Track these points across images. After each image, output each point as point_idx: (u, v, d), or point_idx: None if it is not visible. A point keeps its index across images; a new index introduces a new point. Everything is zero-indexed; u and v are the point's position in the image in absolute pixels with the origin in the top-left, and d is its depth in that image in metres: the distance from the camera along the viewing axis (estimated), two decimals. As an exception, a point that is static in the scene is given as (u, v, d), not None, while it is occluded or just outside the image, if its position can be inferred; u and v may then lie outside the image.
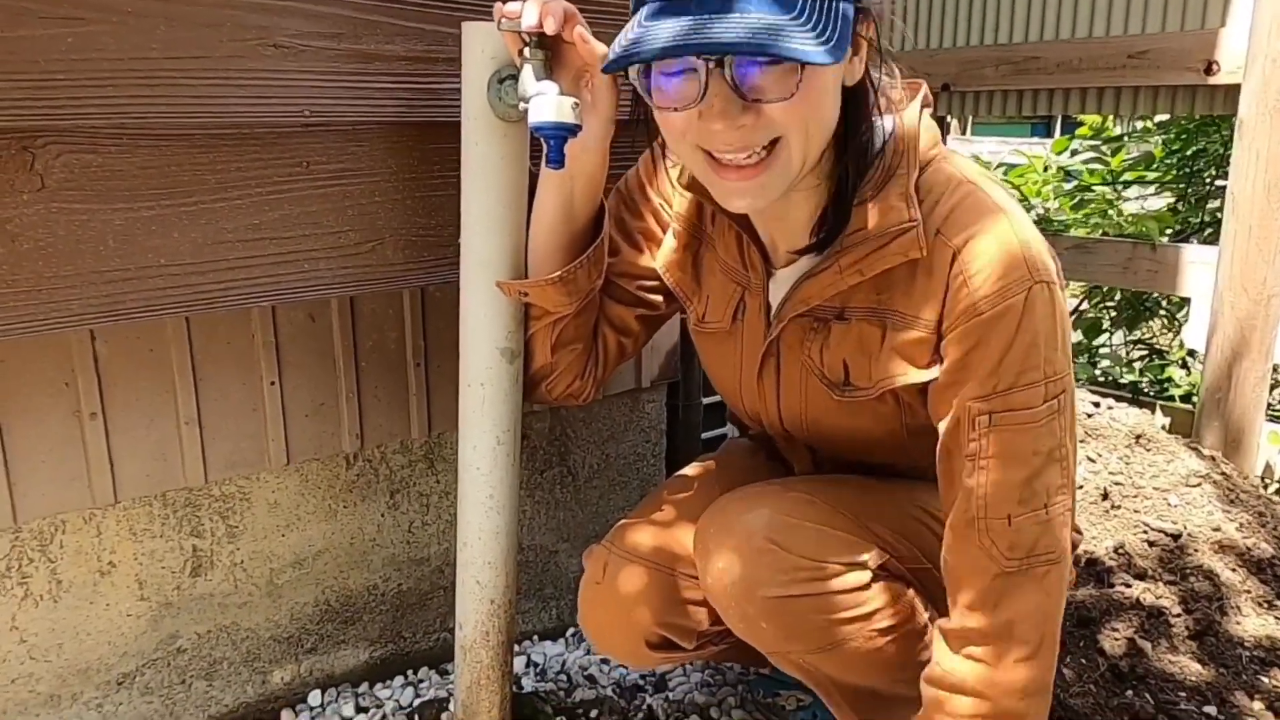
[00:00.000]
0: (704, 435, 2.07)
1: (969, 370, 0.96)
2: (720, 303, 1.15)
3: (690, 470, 1.32)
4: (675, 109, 0.90)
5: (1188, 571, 1.67)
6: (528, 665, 1.56)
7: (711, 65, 0.86)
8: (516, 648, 1.55)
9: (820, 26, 0.83)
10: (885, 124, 1.00)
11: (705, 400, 2.08)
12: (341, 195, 1.24)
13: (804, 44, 0.82)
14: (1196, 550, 1.71)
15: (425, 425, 1.44)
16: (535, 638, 1.64)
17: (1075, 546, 1.25)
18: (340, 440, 1.37)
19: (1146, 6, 2.32)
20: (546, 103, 0.97)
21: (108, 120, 1.05)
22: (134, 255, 1.11)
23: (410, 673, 1.50)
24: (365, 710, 1.41)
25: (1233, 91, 2.13)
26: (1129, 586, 1.63)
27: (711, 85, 0.87)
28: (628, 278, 1.21)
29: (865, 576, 1.06)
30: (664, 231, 1.19)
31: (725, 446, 1.37)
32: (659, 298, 1.22)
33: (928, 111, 1.02)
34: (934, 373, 0.99)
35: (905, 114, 0.99)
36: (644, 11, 0.87)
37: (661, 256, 1.19)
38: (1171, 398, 2.72)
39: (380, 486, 1.44)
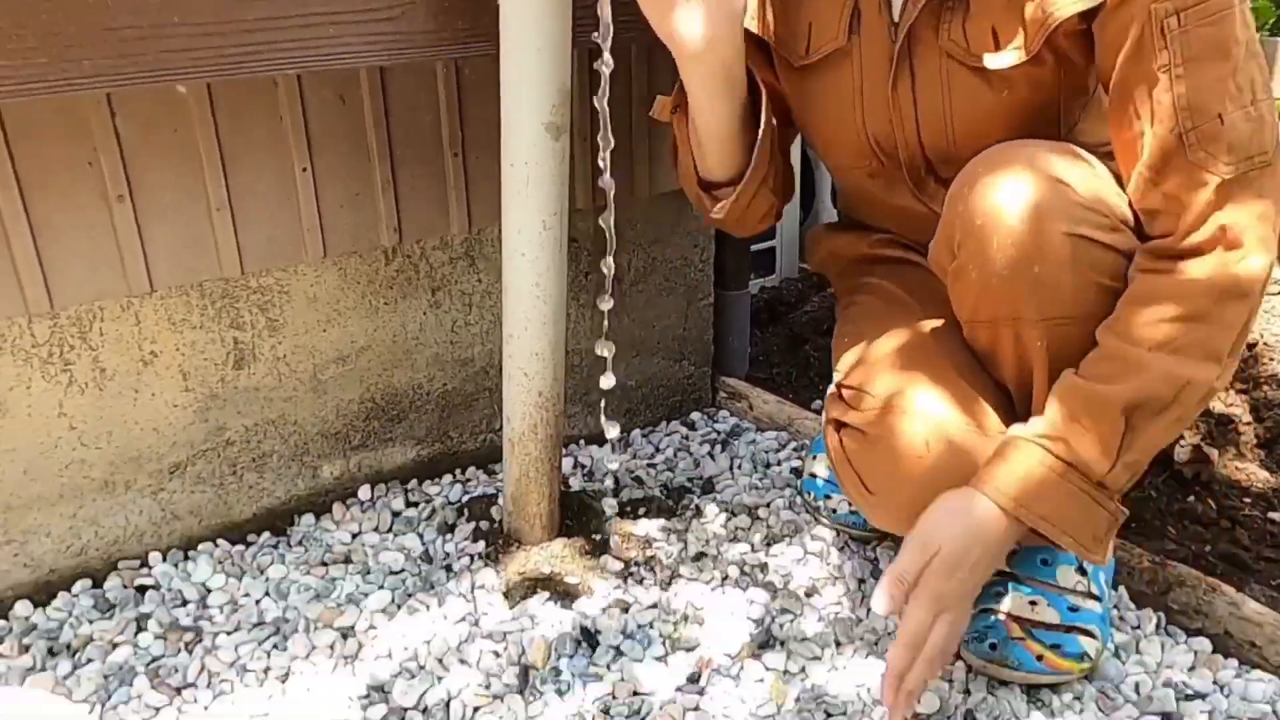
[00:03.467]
0: (755, 247, 2.00)
1: None
2: (828, 23, 1.06)
3: (867, 307, 1.21)
4: None
5: (1261, 380, 1.60)
6: (575, 466, 1.55)
7: None
8: (563, 451, 1.55)
9: None
10: None
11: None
12: (367, -47, 1.13)
13: None
14: (1272, 359, 1.63)
15: (465, 220, 1.38)
16: (581, 442, 1.63)
17: None
18: (378, 233, 1.32)
19: None
20: None
21: None
22: (146, 12, 1.02)
23: (458, 472, 1.51)
24: (415, 505, 1.42)
25: None
26: (1197, 395, 1.57)
27: None
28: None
29: (1136, 243, 0.99)
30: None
31: (860, 287, 1.25)
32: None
33: None
34: None
35: None
36: None
37: (749, 19, 1.10)
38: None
39: (421, 284, 1.39)
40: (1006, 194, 0.95)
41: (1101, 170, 1.00)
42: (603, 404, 1.10)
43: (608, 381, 1.04)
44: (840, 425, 1.11)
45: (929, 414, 1.03)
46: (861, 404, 1.08)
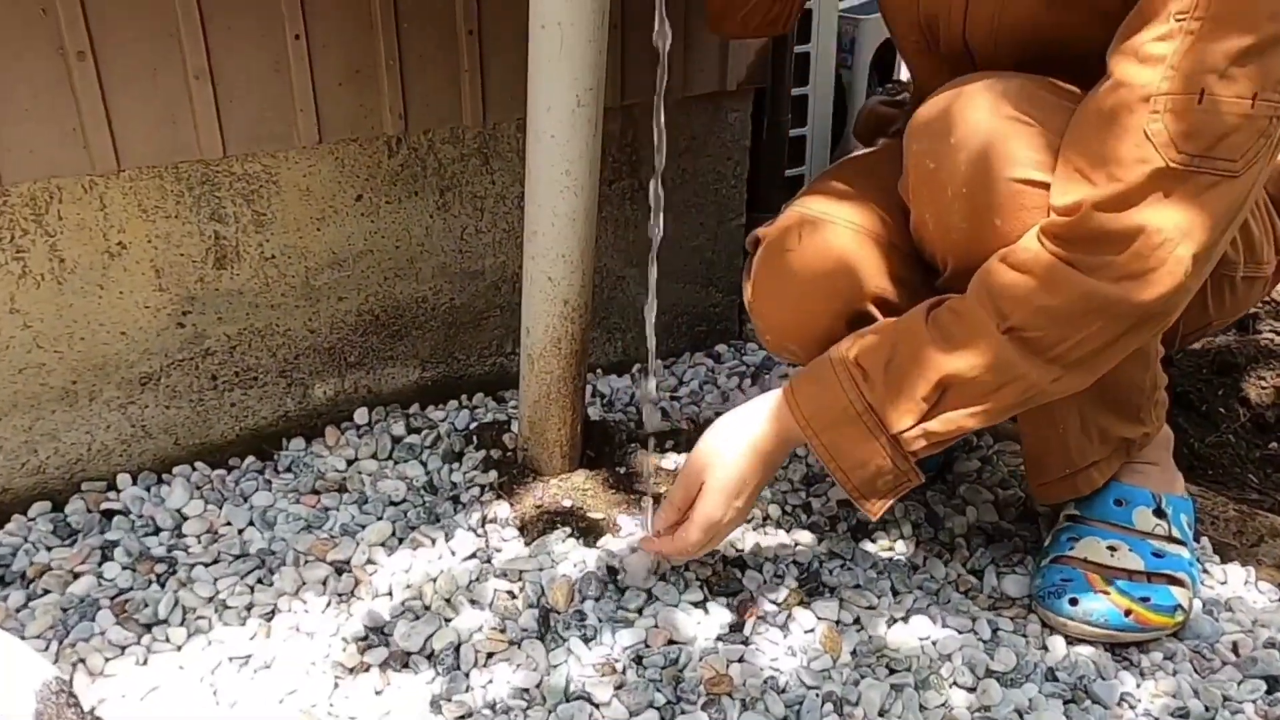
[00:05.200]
0: (786, 172, 1.84)
1: None
2: None
3: (854, 156, 1.11)
4: None
5: (1344, 320, 1.46)
6: (594, 395, 1.41)
7: None
8: (580, 377, 1.40)
9: None
10: None
11: (793, 132, 1.84)
12: None
13: None
14: (1356, 298, 1.50)
15: (479, 112, 1.22)
16: (599, 370, 1.48)
17: None
18: (380, 119, 1.15)
19: None
20: None
21: None
22: None
23: (464, 397, 1.36)
24: (417, 431, 1.27)
25: None
26: (1278, 335, 1.43)
27: None
28: None
29: None
30: None
31: (882, 145, 1.14)
32: None
33: None
34: None
35: None
36: None
37: None
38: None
39: (429, 182, 1.23)
40: (961, 136, 0.82)
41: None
42: (650, 317, 0.96)
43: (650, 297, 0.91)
44: (757, 244, 1.05)
45: (814, 212, 0.98)
46: (777, 217, 1.03)
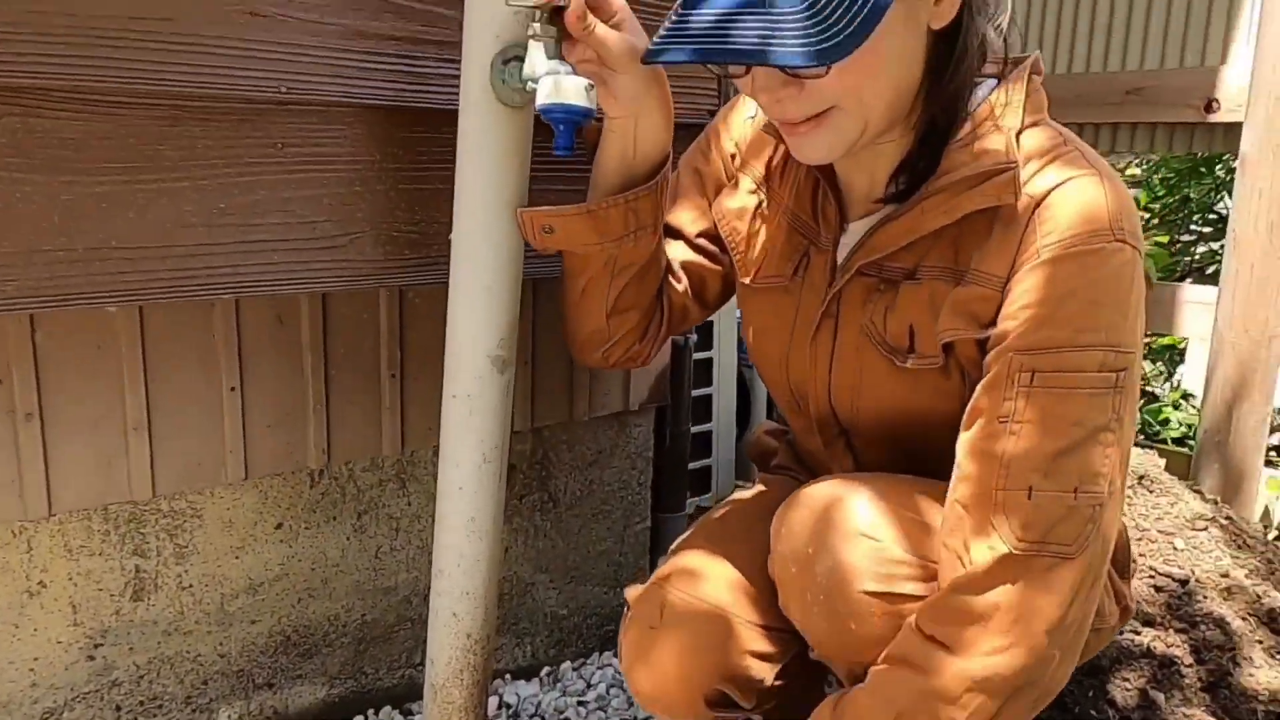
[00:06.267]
0: (691, 466, 1.98)
1: (1020, 318, 0.87)
2: (781, 257, 1.06)
3: (733, 502, 1.20)
4: (729, 76, 0.92)
5: (1197, 619, 1.59)
6: (499, 706, 1.43)
7: None
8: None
9: (832, 17, 0.78)
10: (988, 85, 0.95)
11: (694, 429, 1.99)
12: (317, 182, 1.13)
13: (800, 45, 0.78)
14: (1206, 597, 1.63)
15: (398, 441, 1.33)
16: (508, 676, 1.52)
17: (1123, 601, 1.14)
18: (305, 455, 1.25)
19: (1145, 44, 2.30)
20: (555, 84, 0.89)
21: (62, 81, 0.94)
22: (82, 235, 0.99)
23: (371, 712, 1.37)
24: (320, 754, 1.28)
25: (1233, 129, 2.10)
26: (1138, 634, 1.54)
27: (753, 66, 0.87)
28: (700, 226, 1.15)
29: None
30: (729, 180, 1.14)
31: (761, 479, 1.24)
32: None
33: (1038, 79, 0.95)
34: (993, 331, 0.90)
35: (1011, 76, 0.94)
36: None
37: (720, 203, 1.12)
38: (1165, 441, 2.67)
39: (347, 507, 1.32)
40: (817, 548, 0.93)
41: (937, 514, 0.94)
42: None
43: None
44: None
45: (679, 588, 1.05)
46: (644, 585, 1.10)
